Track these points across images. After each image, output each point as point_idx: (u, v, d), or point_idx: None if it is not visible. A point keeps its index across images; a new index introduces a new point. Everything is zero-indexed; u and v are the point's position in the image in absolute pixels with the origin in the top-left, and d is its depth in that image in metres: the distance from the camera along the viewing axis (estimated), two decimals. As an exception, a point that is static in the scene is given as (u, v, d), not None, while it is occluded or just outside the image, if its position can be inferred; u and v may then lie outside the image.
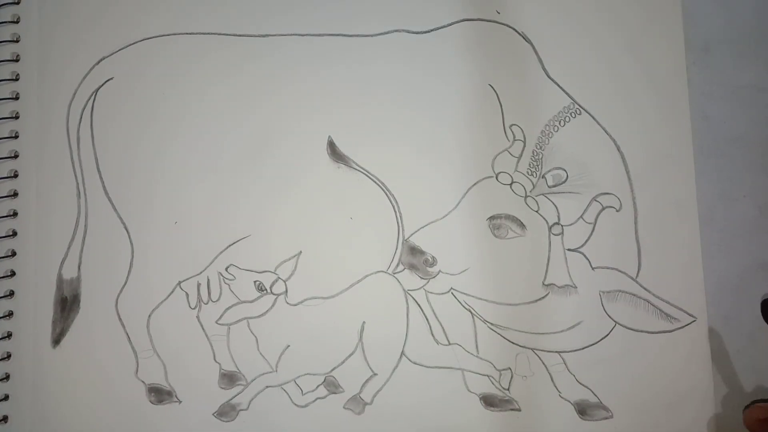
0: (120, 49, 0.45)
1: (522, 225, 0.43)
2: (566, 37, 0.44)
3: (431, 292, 0.43)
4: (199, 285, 0.44)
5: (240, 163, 0.44)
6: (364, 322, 0.43)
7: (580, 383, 0.42)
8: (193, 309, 0.44)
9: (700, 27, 0.44)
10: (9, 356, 0.43)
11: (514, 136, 0.43)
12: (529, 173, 0.43)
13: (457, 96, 0.44)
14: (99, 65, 0.45)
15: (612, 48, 0.44)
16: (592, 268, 0.42)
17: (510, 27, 0.44)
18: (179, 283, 0.44)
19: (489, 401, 0.42)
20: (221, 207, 0.44)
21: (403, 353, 0.43)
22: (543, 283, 0.42)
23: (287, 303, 0.43)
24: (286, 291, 0.43)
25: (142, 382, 0.43)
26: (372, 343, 0.43)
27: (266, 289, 0.43)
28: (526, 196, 0.43)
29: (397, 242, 0.43)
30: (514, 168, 0.43)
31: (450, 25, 0.44)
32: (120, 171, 0.44)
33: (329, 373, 0.43)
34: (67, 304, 0.44)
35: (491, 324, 0.43)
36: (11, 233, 0.44)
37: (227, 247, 0.44)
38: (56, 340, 0.44)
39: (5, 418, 0.43)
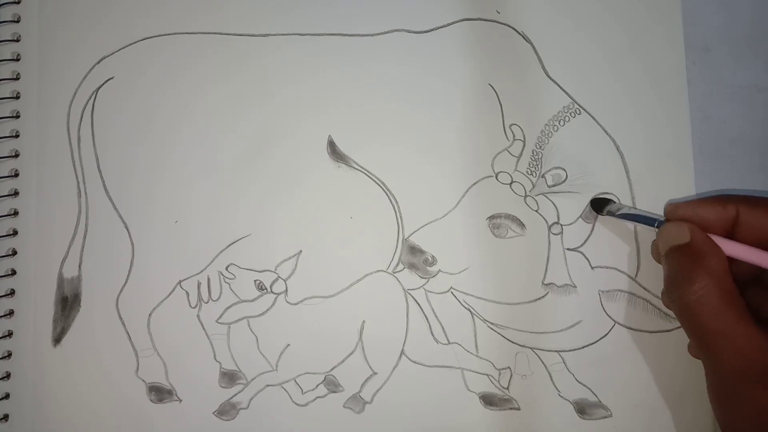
0: (120, 49, 0.45)
1: (522, 224, 0.43)
2: (566, 36, 0.44)
3: (431, 292, 0.43)
4: (199, 284, 0.44)
5: (240, 162, 0.44)
6: (364, 321, 0.43)
7: (580, 382, 0.42)
8: (194, 308, 0.44)
9: (700, 27, 0.44)
10: (10, 355, 0.44)
11: (514, 136, 0.43)
12: (529, 173, 0.43)
13: (457, 96, 0.44)
14: (99, 65, 0.45)
15: (612, 48, 0.44)
16: (592, 268, 0.43)
17: (510, 27, 0.44)
18: (179, 282, 0.44)
19: (488, 400, 0.43)
20: (221, 206, 0.44)
21: (402, 352, 0.43)
22: (542, 283, 0.43)
23: (287, 302, 0.43)
24: (287, 290, 0.43)
25: (143, 381, 0.43)
26: (372, 342, 0.43)
27: (266, 288, 0.43)
28: (525, 196, 0.43)
29: (397, 242, 0.43)
30: (514, 167, 0.43)
31: (450, 24, 0.44)
32: (120, 170, 0.44)
33: (329, 372, 0.43)
34: (67, 303, 0.44)
35: (491, 323, 0.43)
36: (12, 232, 0.44)
37: (227, 246, 0.44)
38: (57, 339, 0.44)
39: (6, 417, 0.43)
